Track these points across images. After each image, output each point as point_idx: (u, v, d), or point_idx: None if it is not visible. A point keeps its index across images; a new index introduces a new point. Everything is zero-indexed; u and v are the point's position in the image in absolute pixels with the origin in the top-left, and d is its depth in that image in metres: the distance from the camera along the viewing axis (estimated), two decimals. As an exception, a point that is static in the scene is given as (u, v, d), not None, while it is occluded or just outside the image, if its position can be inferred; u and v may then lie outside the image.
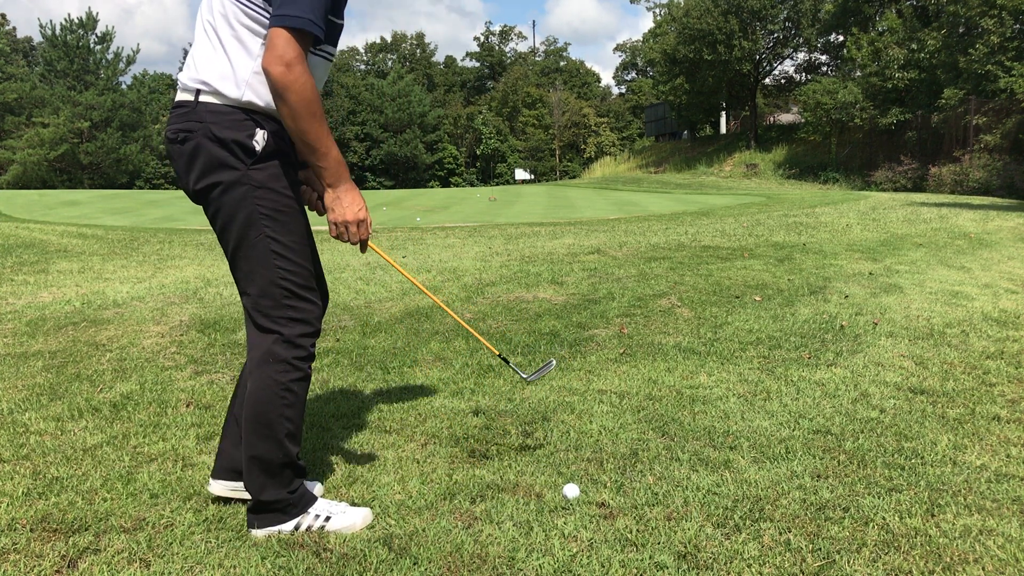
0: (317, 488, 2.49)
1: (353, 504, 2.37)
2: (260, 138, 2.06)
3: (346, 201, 2.09)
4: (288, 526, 2.21)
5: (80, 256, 8.80)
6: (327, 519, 2.22)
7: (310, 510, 2.24)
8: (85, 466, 2.68)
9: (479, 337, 2.58)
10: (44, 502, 2.39)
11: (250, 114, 2.06)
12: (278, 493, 2.19)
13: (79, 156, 44.57)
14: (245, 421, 2.18)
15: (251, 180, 2.07)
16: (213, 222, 2.16)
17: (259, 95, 2.05)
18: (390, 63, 71.85)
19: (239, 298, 5.60)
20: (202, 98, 2.06)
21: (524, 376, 2.36)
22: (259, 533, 2.20)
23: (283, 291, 2.12)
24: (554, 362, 2.42)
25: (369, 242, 2.20)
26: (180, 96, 2.12)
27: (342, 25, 2.20)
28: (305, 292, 2.16)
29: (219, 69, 2.05)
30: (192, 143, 2.07)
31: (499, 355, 2.46)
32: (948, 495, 2.44)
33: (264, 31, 2.02)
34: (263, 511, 2.20)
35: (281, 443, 2.16)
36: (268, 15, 2.00)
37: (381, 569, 2.03)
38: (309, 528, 2.21)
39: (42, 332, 4.73)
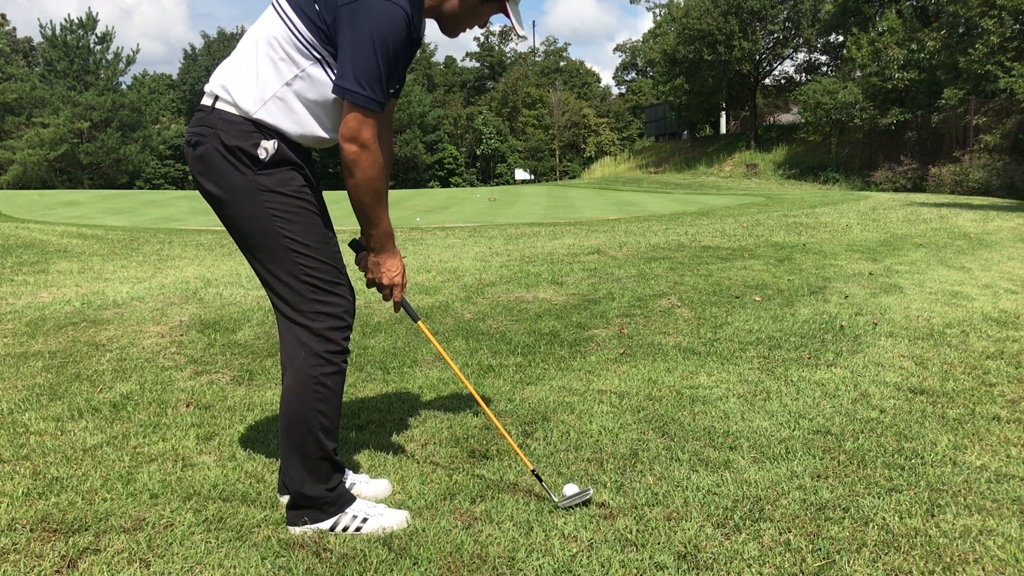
0: (350, 477, 2.49)
1: None
2: (271, 146, 2.11)
3: (384, 267, 2.29)
4: (326, 524, 2.22)
5: (80, 256, 8.80)
6: (364, 520, 2.23)
7: (348, 510, 2.25)
8: (85, 466, 2.68)
9: (513, 444, 2.54)
10: (44, 502, 2.39)
11: (259, 127, 2.11)
12: (318, 489, 2.20)
13: (79, 156, 44.57)
14: (281, 417, 2.22)
15: (259, 185, 2.11)
16: (230, 229, 2.20)
17: (273, 117, 2.11)
18: (390, 63, 71.63)
19: (239, 298, 5.62)
20: (218, 105, 2.12)
21: (556, 501, 2.37)
22: (297, 530, 2.21)
23: (308, 287, 2.16)
24: (591, 491, 2.42)
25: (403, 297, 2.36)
26: (203, 100, 2.19)
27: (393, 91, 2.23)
28: (331, 287, 2.19)
29: (244, 82, 2.11)
30: (203, 148, 2.13)
31: (532, 471, 2.45)
32: (948, 495, 2.44)
33: (305, 63, 2.08)
34: (303, 507, 2.21)
35: (316, 438, 2.19)
36: (314, 53, 2.07)
37: (381, 569, 2.03)
38: (346, 528, 2.22)
39: (42, 332, 4.73)
